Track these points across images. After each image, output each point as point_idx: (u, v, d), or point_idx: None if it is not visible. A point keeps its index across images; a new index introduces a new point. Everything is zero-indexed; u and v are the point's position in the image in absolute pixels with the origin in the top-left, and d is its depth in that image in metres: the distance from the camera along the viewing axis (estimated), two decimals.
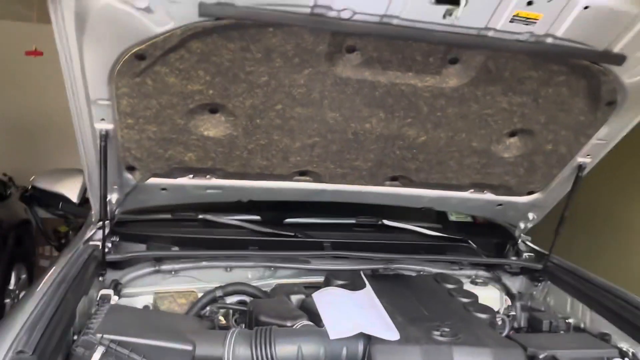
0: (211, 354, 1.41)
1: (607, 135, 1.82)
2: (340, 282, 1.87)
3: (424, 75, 1.54)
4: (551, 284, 2.14)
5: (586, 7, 1.26)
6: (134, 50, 1.32)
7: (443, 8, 1.21)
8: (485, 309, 1.80)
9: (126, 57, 1.34)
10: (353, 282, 1.85)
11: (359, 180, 1.95)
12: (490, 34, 1.32)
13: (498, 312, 2.09)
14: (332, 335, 1.44)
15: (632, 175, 3.33)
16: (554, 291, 2.12)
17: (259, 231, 2.15)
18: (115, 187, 1.81)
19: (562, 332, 1.92)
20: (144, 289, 1.95)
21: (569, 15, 1.28)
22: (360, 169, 1.88)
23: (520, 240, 2.31)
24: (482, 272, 2.25)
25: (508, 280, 2.27)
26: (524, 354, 1.55)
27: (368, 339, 1.47)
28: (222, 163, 1.78)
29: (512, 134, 1.83)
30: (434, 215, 2.46)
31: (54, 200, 2.31)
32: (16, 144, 5.47)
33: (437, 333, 1.53)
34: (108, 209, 1.82)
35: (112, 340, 1.36)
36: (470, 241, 2.34)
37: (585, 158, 1.93)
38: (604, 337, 1.79)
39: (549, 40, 1.35)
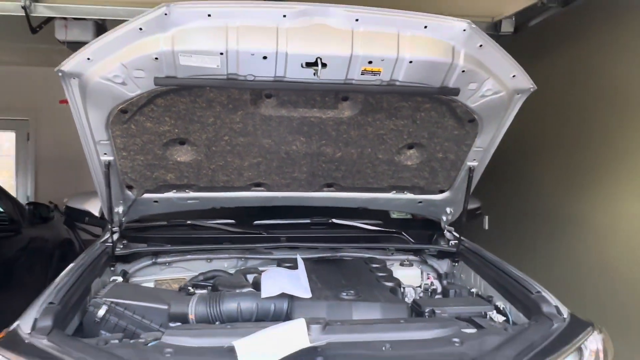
0: (180, 311, 2.05)
1: (483, 143, 2.38)
2: (287, 265, 2.49)
3: (325, 109, 2.16)
4: (463, 263, 2.69)
5: (411, 62, 1.87)
6: (119, 108, 2.00)
7: (311, 70, 1.84)
8: (392, 280, 2.39)
9: (115, 112, 2.02)
10: (295, 265, 2.46)
11: (301, 188, 2.57)
12: (354, 82, 1.94)
13: (419, 286, 2.66)
14: (263, 295, 2.06)
15: (580, 173, 3.81)
16: (465, 269, 2.68)
17: (233, 231, 2.79)
18: (120, 201, 2.49)
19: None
20: (146, 278, 2.62)
21: (401, 68, 1.89)
22: (299, 179, 2.51)
23: (445, 231, 2.88)
24: (412, 257, 2.82)
25: (435, 263, 2.83)
26: (406, 307, 2.13)
27: (291, 299, 2.08)
28: (194, 180, 2.44)
29: (410, 147, 2.42)
30: (379, 215, 3.05)
31: (82, 215, 3.01)
32: (57, 176, 6.35)
33: (344, 294, 2.14)
34: (117, 218, 2.51)
35: (112, 302, 2.02)
36: (404, 233, 2.91)
37: (472, 162, 2.49)
38: (488, 299, 2.34)
39: (397, 83, 1.96)
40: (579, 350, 1.85)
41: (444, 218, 2.85)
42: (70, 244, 5.14)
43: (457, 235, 2.81)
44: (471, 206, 3.16)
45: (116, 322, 1.99)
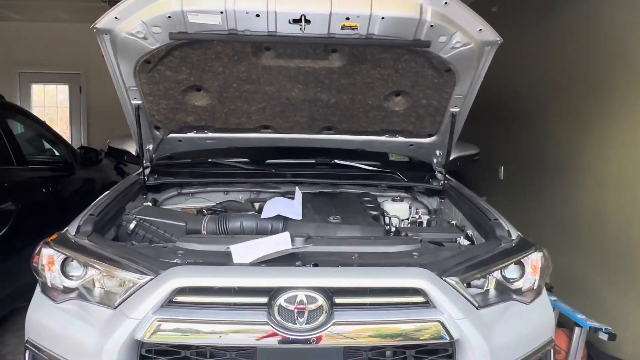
0: (195, 227, 2.51)
1: (462, 91, 2.67)
2: (289, 196, 2.90)
3: (317, 60, 2.50)
4: (447, 199, 3.03)
5: (383, 18, 2.18)
6: (143, 58, 2.41)
7: (297, 25, 2.18)
8: (378, 210, 2.77)
9: (140, 62, 2.43)
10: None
11: (303, 131, 2.95)
12: (336, 36, 2.27)
13: (407, 218, 3.03)
14: (263, 216, 2.48)
15: (583, 122, 4.00)
16: (448, 204, 3.02)
17: (247, 168, 3.22)
18: (150, 140, 2.94)
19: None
20: (173, 206, 3.10)
21: (375, 23, 2.20)
22: (300, 122, 2.88)
23: (436, 172, 3.20)
24: (403, 194, 3.18)
25: (426, 200, 3.18)
26: (383, 230, 2.51)
27: (286, 220, 2.50)
28: (210, 122, 2.85)
29: (397, 94, 2.74)
30: (379, 158, 3.40)
31: (122, 154, 3.50)
32: (107, 125, 6.95)
33: (331, 218, 2.54)
34: (147, 154, 2.97)
35: (141, 218, 2.50)
36: (398, 173, 3.26)
37: (454, 108, 2.78)
38: (462, 228, 2.69)
39: (374, 36, 2.28)
40: (521, 265, 2.19)
41: (435, 160, 3.18)
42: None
43: (446, 176, 3.14)
44: (469, 152, 3.49)
45: (144, 234, 2.46)
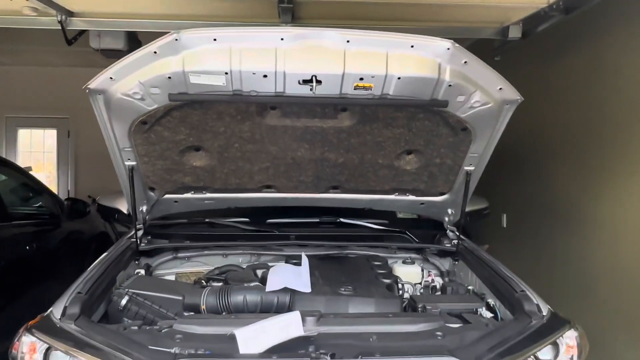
0: (193, 302, 2.29)
1: (478, 149, 2.52)
2: (294, 262, 2.69)
3: (326, 119, 2.35)
4: (462, 262, 2.84)
5: (399, 78, 2.04)
6: (139, 119, 2.24)
7: (308, 86, 2.03)
8: (391, 277, 2.57)
9: (136, 123, 2.26)
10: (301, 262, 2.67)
11: (308, 190, 2.77)
12: (348, 96, 2.12)
13: (420, 282, 2.83)
14: (268, 289, 2.27)
15: (597, 173, 3.87)
16: (463, 267, 2.83)
17: (247, 229, 3.02)
18: (144, 201, 2.74)
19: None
20: (168, 271, 2.88)
21: (391, 84, 2.06)
22: (306, 182, 2.71)
23: (448, 231, 3.03)
24: (414, 255, 2.99)
25: (437, 261, 2.99)
26: (399, 302, 2.31)
27: (293, 293, 2.29)
28: (209, 182, 2.67)
29: (409, 153, 2.58)
30: (387, 215, 3.23)
31: (112, 212, 3.29)
32: (95, 170, 6.73)
33: (342, 289, 2.33)
34: (141, 216, 2.77)
35: (134, 292, 2.27)
36: (408, 232, 3.08)
37: (469, 167, 2.63)
38: (481, 296, 2.50)
39: (389, 96, 2.13)
40: (555, 345, 1.99)
41: (446, 218, 3.00)
42: (106, 236, 5.49)
43: (458, 235, 2.96)
44: (479, 206, 3.33)
45: (137, 310, 2.23)
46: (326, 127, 2.38)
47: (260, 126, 2.35)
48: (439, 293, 2.77)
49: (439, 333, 1.98)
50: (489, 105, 2.23)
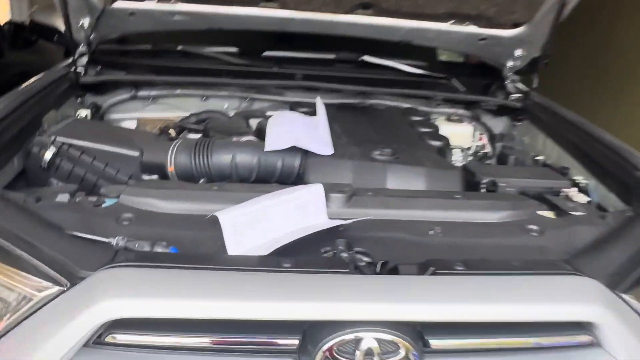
0: (156, 160, 1.53)
1: None
2: (303, 110, 1.91)
3: None
4: (529, 123, 2.09)
5: None
6: None
7: None
8: (440, 138, 1.82)
9: None
10: (314, 110, 1.89)
11: (326, 7, 1.89)
12: None
13: (470, 147, 2.10)
14: (267, 148, 1.51)
15: None
16: (530, 130, 2.08)
17: (236, 63, 2.18)
18: (85, 10, 1.85)
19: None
20: (126, 115, 2.08)
21: None
22: None
23: (508, 81, 2.23)
24: (461, 111, 2.22)
25: (489, 121, 2.24)
26: (459, 175, 1.58)
27: (305, 155, 1.54)
28: None
29: None
30: (424, 55, 2.39)
31: (50, 33, 2.39)
32: None
33: (377, 152, 1.59)
34: (82, 34, 1.90)
35: (64, 143, 1.50)
36: (456, 79, 2.27)
37: None
38: (563, 171, 1.78)
39: None
40: None
41: (510, 63, 2.18)
42: None
43: (523, 87, 2.18)
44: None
45: (70, 169, 1.49)
46: None
47: None
48: (489, 162, 2.07)
49: (532, 226, 1.28)
50: None
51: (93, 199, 1.24)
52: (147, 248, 1.04)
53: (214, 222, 1.09)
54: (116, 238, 1.05)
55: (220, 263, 0.96)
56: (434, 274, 0.99)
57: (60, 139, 1.50)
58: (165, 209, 1.21)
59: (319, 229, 1.08)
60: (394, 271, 1.01)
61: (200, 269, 0.93)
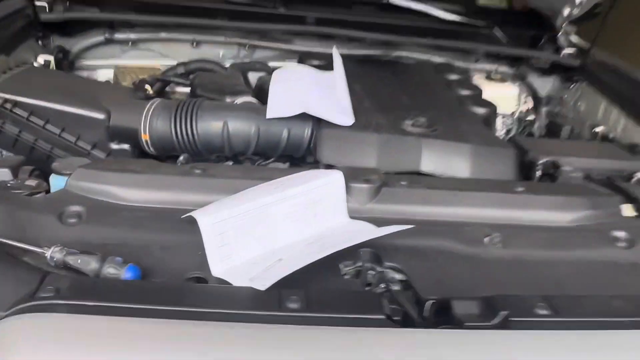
0: (126, 124, 1.20)
1: None
2: (315, 63, 1.56)
3: None
4: (587, 85, 1.73)
5: None
6: None
7: None
8: (486, 104, 1.46)
9: None
10: (330, 65, 1.53)
11: None
12: None
13: (513, 113, 1.75)
14: (269, 114, 1.17)
15: None
16: (588, 94, 1.72)
17: (233, 2, 1.80)
18: None
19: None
20: (101, 62, 1.75)
21: None
22: None
23: (561, 33, 1.85)
24: (504, 68, 1.86)
25: (536, 80, 1.88)
26: (514, 155, 1.24)
27: (318, 124, 1.20)
28: None
29: None
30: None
31: None
32: None
33: (409, 122, 1.25)
34: None
35: (8, 100, 1.16)
36: (498, 29, 1.90)
37: None
38: (634, 149, 1.44)
39: None
40: None
41: (566, 11, 1.79)
42: None
43: (579, 40, 1.81)
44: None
45: (16, 134, 1.16)
46: None
47: None
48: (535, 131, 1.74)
49: (619, 233, 0.96)
50: None
51: (32, 182, 0.92)
52: (93, 265, 0.72)
53: (190, 222, 0.77)
54: (52, 248, 0.73)
55: (196, 303, 0.65)
56: (505, 321, 0.67)
57: (2, 94, 1.16)
58: (129, 199, 0.89)
59: (339, 248, 0.76)
60: (445, 313, 0.69)
61: (164, 315, 0.61)
